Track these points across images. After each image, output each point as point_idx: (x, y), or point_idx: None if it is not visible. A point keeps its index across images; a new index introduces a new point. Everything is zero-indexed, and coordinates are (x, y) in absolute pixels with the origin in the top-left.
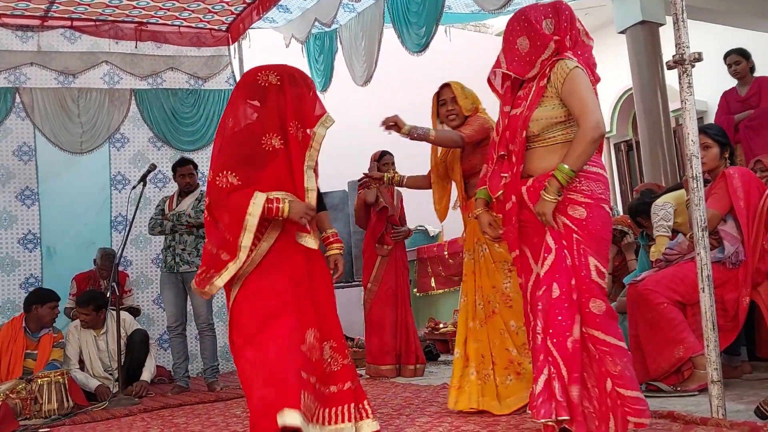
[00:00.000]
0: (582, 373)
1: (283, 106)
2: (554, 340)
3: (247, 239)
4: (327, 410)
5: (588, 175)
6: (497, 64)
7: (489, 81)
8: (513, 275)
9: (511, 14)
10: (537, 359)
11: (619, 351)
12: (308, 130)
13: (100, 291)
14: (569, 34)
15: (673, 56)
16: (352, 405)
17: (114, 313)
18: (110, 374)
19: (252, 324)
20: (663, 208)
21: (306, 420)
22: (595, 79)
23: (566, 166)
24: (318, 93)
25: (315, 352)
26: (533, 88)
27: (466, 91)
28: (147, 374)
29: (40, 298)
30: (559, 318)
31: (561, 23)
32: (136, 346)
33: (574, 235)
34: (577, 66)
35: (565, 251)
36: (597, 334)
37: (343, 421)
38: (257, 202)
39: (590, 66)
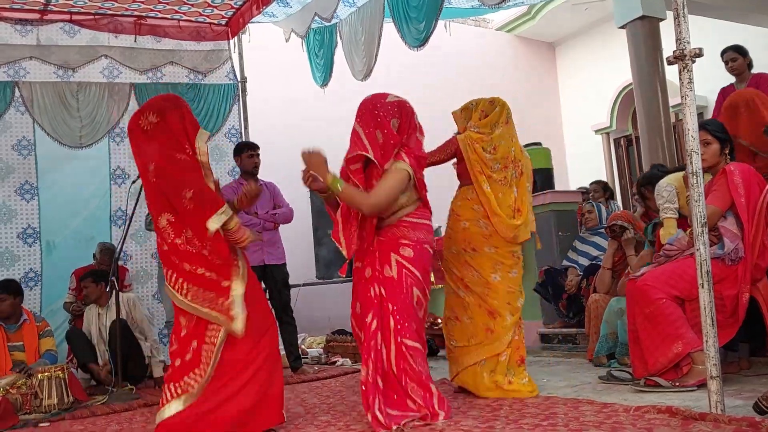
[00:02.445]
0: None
1: (169, 136)
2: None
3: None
4: None
5: (416, 225)
6: (361, 147)
7: (346, 159)
8: (445, 280)
9: (512, 8)
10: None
11: (421, 353)
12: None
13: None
14: (407, 133)
15: (674, 52)
16: None
17: (120, 292)
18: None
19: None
20: (666, 189)
21: None
22: (421, 167)
23: (339, 188)
24: (319, 87)
25: None
26: None
27: (466, 109)
28: (158, 370)
29: None
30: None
31: (404, 124)
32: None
33: (404, 270)
34: (403, 169)
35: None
36: (410, 343)
37: None
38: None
39: (419, 159)
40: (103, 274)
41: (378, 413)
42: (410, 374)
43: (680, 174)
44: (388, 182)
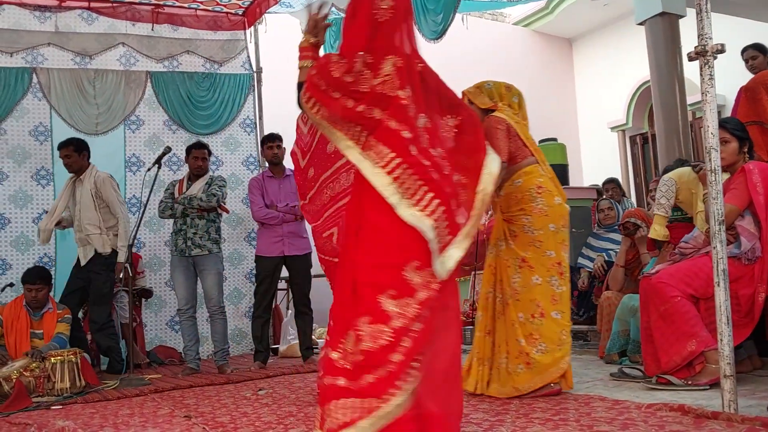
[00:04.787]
0: None
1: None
2: None
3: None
4: None
5: None
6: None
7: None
8: (522, 271)
9: (530, 3)
10: None
11: None
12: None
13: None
14: None
15: (695, 47)
16: None
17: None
18: None
19: None
20: (666, 184)
21: None
22: None
23: None
24: None
25: None
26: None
27: (484, 89)
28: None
29: (23, 279)
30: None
31: None
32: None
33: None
34: None
35: None
36: None
37: None
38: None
39: None
40: (82, 143)
41: None
42: None
43: (685, 169)
44: None
